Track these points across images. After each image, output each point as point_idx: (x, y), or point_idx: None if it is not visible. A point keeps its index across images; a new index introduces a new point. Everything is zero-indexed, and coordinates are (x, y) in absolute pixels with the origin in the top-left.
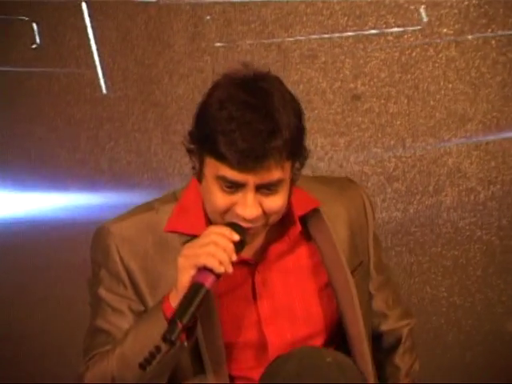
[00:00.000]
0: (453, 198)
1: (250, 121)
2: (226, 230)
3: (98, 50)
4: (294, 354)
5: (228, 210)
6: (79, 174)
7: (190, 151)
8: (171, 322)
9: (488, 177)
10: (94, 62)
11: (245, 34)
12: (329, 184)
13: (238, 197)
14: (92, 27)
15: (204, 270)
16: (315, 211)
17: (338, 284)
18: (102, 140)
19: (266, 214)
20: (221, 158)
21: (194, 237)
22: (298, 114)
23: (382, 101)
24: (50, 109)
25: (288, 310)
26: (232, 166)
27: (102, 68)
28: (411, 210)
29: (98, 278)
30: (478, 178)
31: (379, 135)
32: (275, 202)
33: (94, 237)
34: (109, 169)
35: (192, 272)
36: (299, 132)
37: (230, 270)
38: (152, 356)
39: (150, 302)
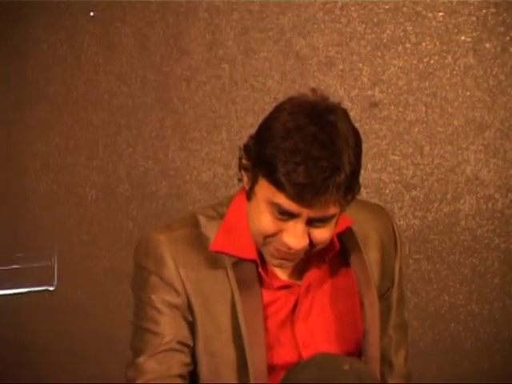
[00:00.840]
0: (471, 206)
1: (315, 156)
2: None
3: (115, 57)
4: (311, 362)
5: (274, 235)
6: (97, 181)
7: (244, 167)
8: None
9: (506, 184)
10: (112, 69)
11: (262, 41)
12: (360, 205)
13: (287, 225)
14: (110, 34)
15: None
16: (349, 231)
17: (367, 306)
18: (120, 147)
19: (312, 244)
20: (279, 186)
21: (241, 259)
22: (359, 152)
23: (400, 108)
24: (68, 116)
25: (324, 332)
26: (289, 197)
27: (120, 75)
28: (429, 218)
29: (147, 283)
30: (496, 185)
31: (397, 143)
32: (324, 234)
33: (142, 244)
34: (127, 176)
35: None
36: (358, 169)
37: None
38: None
39: (199, 314)
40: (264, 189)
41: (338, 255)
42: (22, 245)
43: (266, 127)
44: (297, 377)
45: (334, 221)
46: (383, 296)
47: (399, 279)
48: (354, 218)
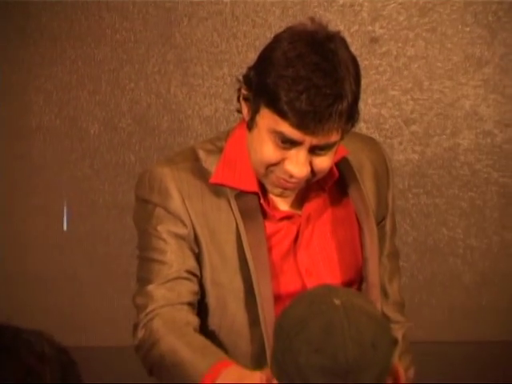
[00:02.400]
0: (470, 141)
1: (318, 84)
2: None
3: None
4: (305, 296)
5: (276, 163)
6: (99, 116)
7: (244, 97)
8: None
9: (505, 119)
10: (114, 5)
11: None
12: (353, 136)
13: (290, 153)
14: None
15: None
16: (344, 160)
17: (367, 233)
18: (122, 82)
19: (313, 172)
20: (282, 114)
21: (243, 191)
22: (359, 79)
23: (400, 44)
24: (71, 51)
25: (325, 260)
26: (292, 125)
27: (122, 11)
28: (428, 153)
29: (152, 215)
30: (494, 120)
31: (397, 78)
32: (325, 163)
33: (144, 178)
34: (129, 111)
35: None
36: (359, 97)
37: None
38: None
39: (205, 245)
40: (266, 118)
41: (336, 185)
42: (26, 179)
43: (266, 57)
44: (290, 311)
45: (334, 149)
46: (379, 224)
47: (392, 208)
48: (348, 148)
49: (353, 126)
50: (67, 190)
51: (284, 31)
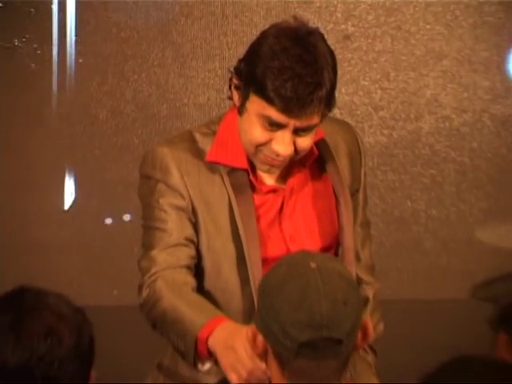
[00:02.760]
0: (431, 125)
1: (300, 74)
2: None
3: None
4: (284, 260)
5: (264, 144)
6: (107, 104)
7: (235, 86)
8: None
9: (461, 106)
10: (119, 6)
11: None
12: (330, 120)
13: (276, 135)
14: None
15: None
16: (322, 141)
17: (343, 204)
18: (127, 74)
19: (296, 151)
20: (269, 100)
21: (234, 168)
22: (335, 70)
23: (369, 40)
24: (82, 47)
25: (306, 228)
26: (278, 110)
27: (127, 11)
28: (394, 135)
29: (154, 190)
30: (452, 107)
31: (367, 70)
32: (306, 142)
33: (148, 157)
34: (132, 99)
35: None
36: (335, 85)
37: None
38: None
39: (201, 216)
40: (255, 104)
41: (315, 163)
42: (43, 158)
43: (254, 50)
44: (271, 274)
45: (314, 131)
46: (353, 197)
47: (364, 183)
48: (325, 130)
49: (330, 110)
50: (79, 168)
51: (270, 28)
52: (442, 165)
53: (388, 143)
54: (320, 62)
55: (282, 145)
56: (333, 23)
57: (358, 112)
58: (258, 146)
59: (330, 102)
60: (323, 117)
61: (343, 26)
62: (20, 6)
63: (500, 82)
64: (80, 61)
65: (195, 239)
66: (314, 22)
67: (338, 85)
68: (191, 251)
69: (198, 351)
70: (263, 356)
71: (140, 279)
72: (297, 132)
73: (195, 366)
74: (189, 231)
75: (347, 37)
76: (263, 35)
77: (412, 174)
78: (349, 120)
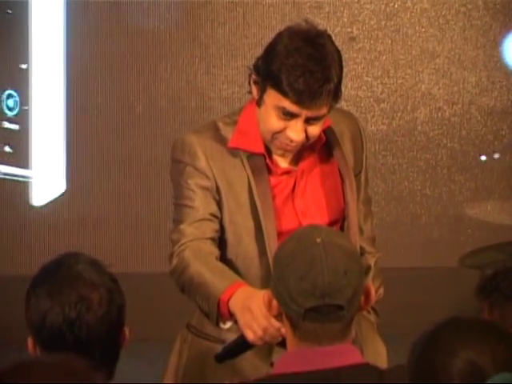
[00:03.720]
0: (425, 115)
1: (311, 70)
2: (283, 331)
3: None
4: (295, 234)
5: (280, 131)
6: (143, 98)
7: (254, 81)
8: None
9: (452, 98)
10: (155, 12)
11: None
12: (336, 111)
13: (290, 123)
14: None
15: None
16: (329, 129)
17: (347, 184)
18: (160, 72)
19: (307, 138)
20: (284, 93)
21: (253, 153)
22: (342, 66)
23: (372, 41)
24: (124, 49)
25: (316, 205)
26: (292, 102)
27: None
28: (394, 124)
29: (184, 172)
30: (444, 99)
31: (369, 67)
32: (316, 130)
33: (178, 143)
34: (165, 93)
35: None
36: (341, 80)
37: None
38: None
39: (224, 194)
40: (272, 96)
41: (323, 148)
42: (85, 146)
43: (271, 49)
44: (283, 246)
45: (323, 120)
46: (356, 177)
47: (365, 165)
48: (332, 120)
49: (337, 102)
50: (119, 154)
51: (284, 30)
52: (436, 150)
53: (388, 131)
54: (328, 60)
55: (295, 132)
56: (340, 26)
57: (362, 104)
58: (275, 134)
59: (337, 94)
60: (331, 108)
61: (349, 29)
62: None
63: (486, 77)
64: (120, 60)
65: (219, 215)
66: (323, 25)
67: (345, 80)
68: (215, 225)
69: (220, 312)
70: (279, 317)
71: (171, 249)
72: (308, 121)
73: (217, 324)
74: (213, 208)
75: (352, 38)
76: (278, 36)
77: (409, 158)
78: (353, 111)
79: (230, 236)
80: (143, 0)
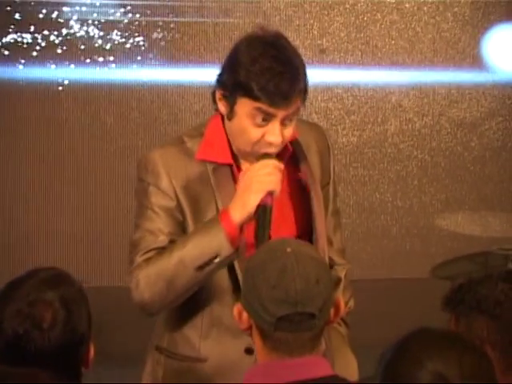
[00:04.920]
0: (395, 127)
1: (280, 71)
2: (277, 163)
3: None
4: (265, 246)
5: (259, 140)
6: (115, 111)
7: (220, 96)
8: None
9: (422, 110)
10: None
11: (237, 3)
12: (302, 123)
13: (267, 128)
14: None
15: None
16: (296, 141)
17: (314, 195)
18: (130, 84)
19: (282, 141)
20: (257, 99)
21: (220, 164)
22: (304, 65)
23: (342, 54)
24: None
25: (285, 217)
26: (266, 105)
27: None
28: (364, 136)
29: (147, 192)
30: (414, 111)
31: (339, 79)
32: (289, 132)
33: (142, 162)
34: (137, 106)
35: (262, 195)
36: (307, 77)
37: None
38: (211, 261)
39: (188, 214)
40: (244, 105)
41: (290, 159)
42: (58, 159)
43: (232, 61)
44: (252, 258)
45: (294, 120)
46: (324, 189)
47: (334, 177)
48: (298, 132)
49: (305, 99)
50: (92, 166)
51: (239, 41)
52: (406, 161)
53: (358, 143)
54: (294, 60)
55: (274, 135)
56: (310, 39)
57: (332, 116)
58: (254, 145)
59: (305, 92)
60: (302, 105)
61: (319, 42)
62: None
63: (456, 89)
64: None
65: (182, 235)
66: (293, 38)
67: (315, 93)
68: None
69: (227, 234)
70: (248, 330)
71: (129, 281)
72: (283, 122)
73: (236, 249)
74: (174, 229)
75: (322, 51)
76: (236, 48)
77: (380, 169)
78: (324, 123)
79: None
80: None
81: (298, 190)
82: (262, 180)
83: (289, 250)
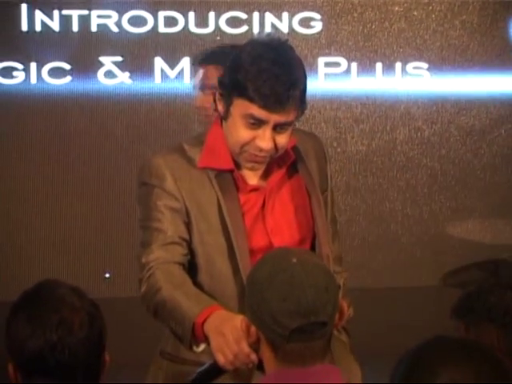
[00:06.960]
0: (404, 135)
1: (277, 74)
2: (253, 357)
3: None
4: (268, 257)
5: (248, 142)
6: (123, 120)
7: (219, 96)
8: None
9: (431, 118)
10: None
11: (229, 22)
12: (301, 132)
13: (258, 132)
14: None
15: None
16: (295, 148)
17: (314, 201)
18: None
19: (276, 148)
20: (251, 99)
21: (223, 171)
22: (305, 74)
23: (350, 62)
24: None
25: (286, 222)
26: (259, 107)
27: None
28: (373, 145)
29: (152, 194)
30: (423, 119)
31: (349, 88)
32: (284, 139)
33: (145, 167)
34: (145, 116)
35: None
36: (306, 87)
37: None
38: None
39: (193, 215)
40: (239, 105)
41: (290, 166)
42: (66, 169)
43: (234, 61)
44: (258, 270)
45: (290, 128)
46: (322, 195)
47: (331, 185)
48: (297, 139)
49: (303, 111)
50: (99, 176)
51: (246, 43)
52: (415, 170)
53: (367, 152)
54: (293, 65)
55: (264, 141)
56: (318, 48)
57: (341, 125)
58: (244, 146)
59: (303, 100)
60: (297, 116)
61: (327, 51)
62: None
63: (464, 96)
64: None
65: (187, 237)
66: (302, 48)
67: (324, 102)
68: (184, 250)
69: (194, 335)
70: (257, 344)
71: (139, 273)
72: (276, 129)
73: (191, 348)
74: (182, 230)
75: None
76: (241, 49)
77: (389, 178)
78: (333, 132)
79: (201, 258)
80: None
81: (299, 195)
82: (229, 349)
83: (294, 260)
